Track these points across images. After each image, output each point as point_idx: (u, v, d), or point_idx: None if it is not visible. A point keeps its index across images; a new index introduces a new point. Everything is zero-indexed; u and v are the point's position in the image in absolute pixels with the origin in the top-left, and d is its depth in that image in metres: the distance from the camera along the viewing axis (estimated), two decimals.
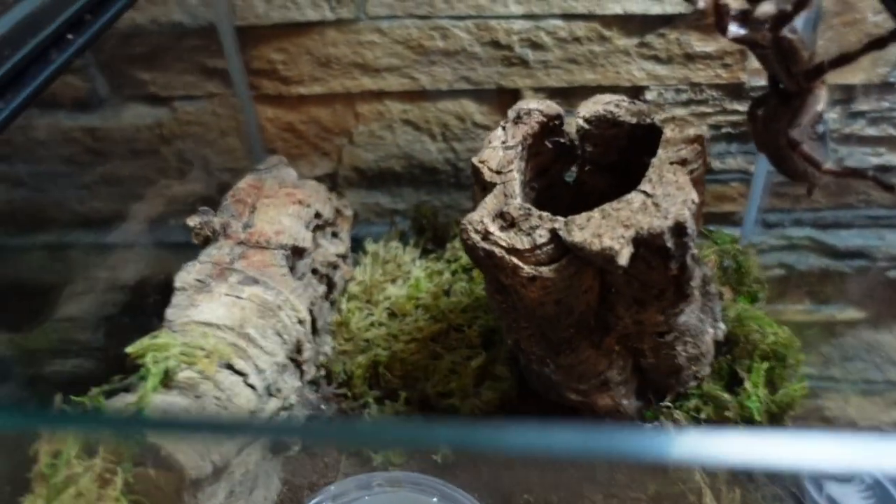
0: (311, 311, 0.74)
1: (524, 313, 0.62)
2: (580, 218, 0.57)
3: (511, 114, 0.66)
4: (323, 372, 0.77)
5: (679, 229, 0.54)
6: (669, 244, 0.54)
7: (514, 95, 0.93)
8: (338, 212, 0.84)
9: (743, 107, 0.92)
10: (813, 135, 0.58)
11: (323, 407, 0.74)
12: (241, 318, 0.62)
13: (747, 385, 0.68)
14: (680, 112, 0.92)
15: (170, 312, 0.62)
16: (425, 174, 1.00)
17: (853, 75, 0.88)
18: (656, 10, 0.85)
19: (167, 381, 0.56)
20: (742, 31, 0.55)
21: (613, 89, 0.91)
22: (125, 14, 0.67)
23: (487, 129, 0.95)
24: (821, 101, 0.57)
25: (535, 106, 0.66)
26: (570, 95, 0.92)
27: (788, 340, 0.69)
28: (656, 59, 0.88)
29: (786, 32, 0.54)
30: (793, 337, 0.69)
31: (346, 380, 0.78)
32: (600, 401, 0.70)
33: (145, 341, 0.56)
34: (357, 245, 0.92)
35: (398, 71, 0.92)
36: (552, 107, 0.66)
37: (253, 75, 0.94)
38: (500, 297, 0.63)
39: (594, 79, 0.91)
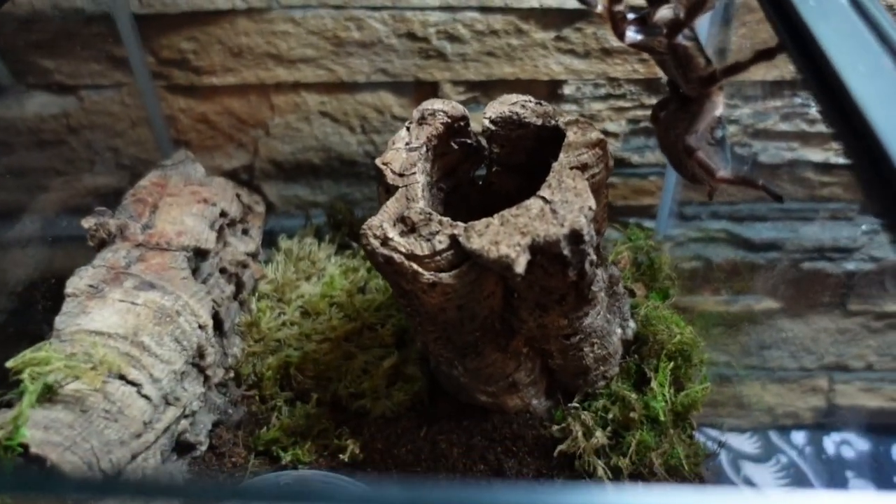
0: (217, 313, 0.72)
1: (427, 318, 0.62)
2: (479, 224, 0.56)
3: (415, 114, 0.65)
4: (232, 374, 0.75)
5: (575, 237, 0.54)
6: (566, 252, 0.54)
7: (433, 88, 0.92)
8: (248, 208, 0.82)
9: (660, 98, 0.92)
10: (711, 140, 0.58)
11: (230, 411, 0.72)
12: (136, 326, 0.60)
13: (654, 385, 0.68)
14: (598, 106, 0.92)
15: (59, 320, 0.59)
16: (344, 166, 0.98)
17: (767, 72, 0.88)
18: (572, 3, 0.84)
19: (51, 395, 0.53)
20: (639, 37, 0.54)
21: (532, 83, 0.91)
22: None
23: (406, 121, 0.94)
24: (718, 106, 0.57)
25: (440, 107, 0.65)
26: (489, 88, 0.92)
27: (693, 340, 0.70)
28: (574, 53, 0.88)
29: (681, 39, 0.54)
30: (697, 337, 0.70)
31: (256, 381, 0.76)
32: (510, 402, 0.70)
33: (27, 354, 0.53)
34: (272, 240, 0.90)
35: (314, 62, 0.90)
36: (457, 108, 0.65)
37: (163, 65, 0.90)
38: (404, 302, 0.62)
39: (512, 72, 0.90)
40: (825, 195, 0.96)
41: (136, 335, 0.60)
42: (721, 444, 0.72)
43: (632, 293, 0.79)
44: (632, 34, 0.54)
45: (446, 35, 0.87)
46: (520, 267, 0.53)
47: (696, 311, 0.89)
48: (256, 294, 0.81)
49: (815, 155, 0.94)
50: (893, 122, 0.33)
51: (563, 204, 0.55)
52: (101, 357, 0.56)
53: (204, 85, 0.92)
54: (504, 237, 0.54)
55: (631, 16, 0.56)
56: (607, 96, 0.91)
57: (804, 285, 1.04)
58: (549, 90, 0.91)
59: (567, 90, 0.91)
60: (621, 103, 0.92)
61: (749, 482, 1.12)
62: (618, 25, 0.53)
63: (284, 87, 0.92)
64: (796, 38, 0.42)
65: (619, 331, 0.71)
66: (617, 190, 0.98)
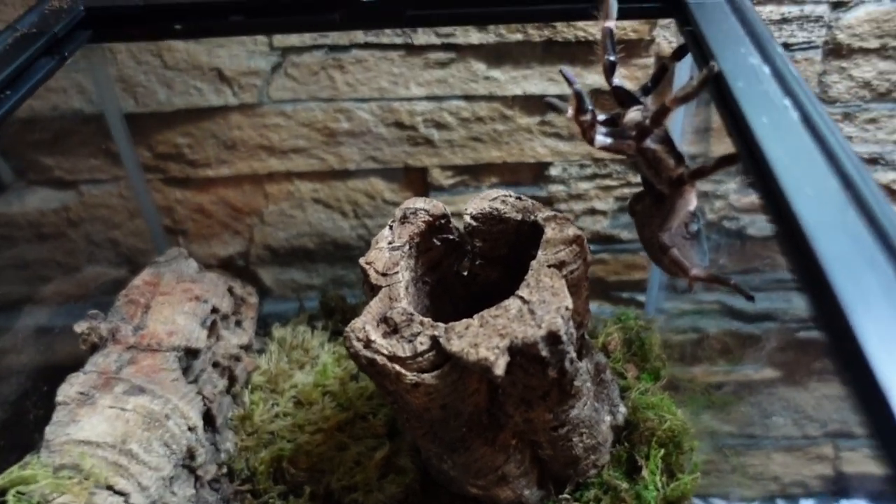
0: (209, 409, 0.72)
1: (413, 415, 0.62)
2: (459, 325, 0.57)
3: (398, 213, 0.67)
4: (224, 470, 0.75)
5: (552, 338, 0.54)
6: (544, 353, 0.55)
7: (422, 173, 0.94)
8: (241, 300, 0.84)
9: None
10: (686, 234, 0.59)
11: None
12: (124, 433, 0.61)
13: (645, 473, 0.68)
14: (585, 186, 0.93)
15: (49, 430, 0.60)
16: (339, 250, 0.99)
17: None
18: (553, 90, 0.86)
19: None
20: (608, 141, 0.56)
21: (519, 165, 0.92)
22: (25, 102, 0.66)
23: (397, 205, 0.95)
24: (691, 202, 0.58)
25: (422, 206, 0.66)
26: (478, 172, 0.93)
27: (683, 426, 0.69)
28: (558, 136, 0.90)
29: (649, 143, 0.55)
30: (686, 423, 0.70)
31: (249, 476, 0.76)
32: (501, 493, 0.69)
33: (13, 472, 0.54)
34: (267, 328, 0.91)
35: (305, 152, 0.92)
36: (437, 206, 0.66)
37: (159, 159, 0.93)
38: (390, 399, 0.63)
39: (500, 156, 0.92)
40: None
41: (125, 443, 0.60)
42: None
43: (622, 375, 0.79)
44: (601, 138, 0.56)
45: (433, 123, 0.90)
46: (499, 369, 0.54)
47: (692, 387, 0.88)
48: (249, 386, 0.82)
49: None
50: (835, 249, 0.34)
51: (541, 304, 0.56)
52: (89, 469, 0.57)
53: (199, 177, 0.94)
54: (483, 339, 0.55)
55: (602, 117, 0.58)
56: (594, 176, 0.93)
57: (802, 354, 1.03)
58: (536, 171, 0.93)
59: (553, 171, 0.92)
60: (608, 182, 0.93)
61: None
62: (586, 132, 0.55)
63: (278, 177, 0.94)
64: (751, 153, 0.43)
65: (608, 418, 0.71)
66: (608, 266, 0.99)
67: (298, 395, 0.82)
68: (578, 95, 0.52)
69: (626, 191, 0.94)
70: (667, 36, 0.84)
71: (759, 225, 0.95)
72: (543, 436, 0.66)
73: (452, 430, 0.63)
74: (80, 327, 0.68)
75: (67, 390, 0.63)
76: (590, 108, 0.53)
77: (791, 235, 0.36)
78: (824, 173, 0.39)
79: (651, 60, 0.85)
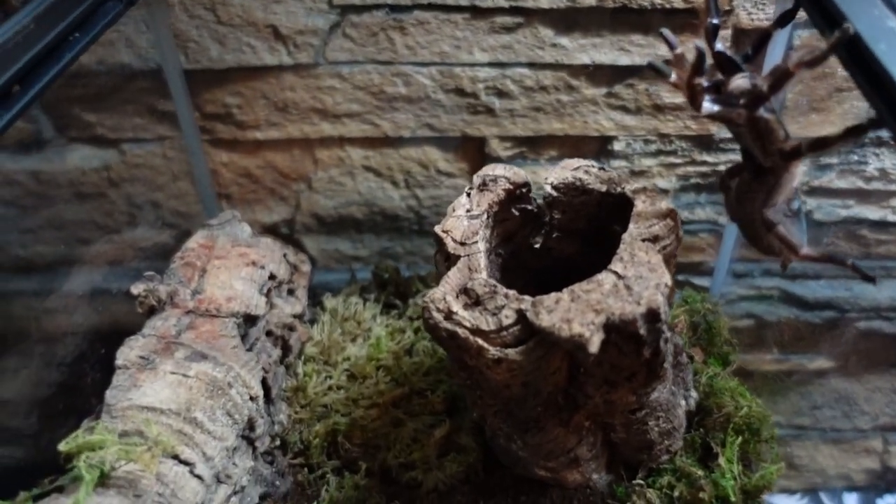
0: (265, 380, 0.70)
1: (490, 392, 0.59)
2: (548, 299, 0.54)
3: (476, 180, 0.63)
4: (278, 442, 0.72)
5: (652, 315, 0.51)
6: (642, 331, 0.51)
7: (480, 143, 0.90)
8: (294, 268, 0.81)
9: (712, 157, 0.90)
10: (788, 212, 0.56)
11: (277, 482, 0.70)
12: (188, 400, 0.58)
13: (721, 461, 0.65)
14: (648, 162, 0.90)
15: (110, 395, 0.57)
16: (387, 221, 0.96)
17: (821, 128, 0.86)
18: (624, 60, 0.83)
19: (105, 479, 0.51)
20: (716, 108, 0.52)
21: (581, 139, 0.89)
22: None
23: (451, 176, 0.93)
24: (796, 177, 0.55)
25: (502, 173, 0.63)
26: (538, 144, 0.90)
27: (762, 414, 0.67)
28: (624, 109, 0.86)
29: (762, 112, 0.51)
30: (766, 410, 0.67)
31: (302, 449, 0.74)
32: (570, 476, 0.67)
33: (79, 437, 0.51)
34: (315, 298, 0.88)
35: (359, 117, 0.89)
36: (519, 174, 0.63)
37: (207, 119, 0.90)
38: (465, 375, 0.60)
39: (561, 128, 0.88)
40: (882, 253, 0.93)
41: (189, 410, 0.57)
42: None
43: (690, 359, 0.76)
44: (708, 105, 0.52)
45: (495, 91, 0.86)
46: (594, 347, 0.51)
47: (756, 374, 0.86)
48: (303, 357, 0.79)
49: (872, 213, 0.91)
50: None
51: (638, 280, 0.53)
52: (156, 436, 0.54)
53: (247, 139, 0.91)
54: (576, 315, 0.52)
55: (704, 83, 0.55)
56: (658, 152, 0.89)
57: (859, 345, 1.00)
58: (599, 146, 0.90)
59: (617, 146, 0.89)
60: (672, 159, 0.90)
61: None
62: (696, 97, 0.51)
63: (329, 142, 0.91)
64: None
65: (682, 403, 0.68)
66: None
67: (352, 368, 0.79)
68: (700, 55, 0.48)
69: (690, 169, 0.91)
70: (747, 6, 0.80)
71: (826, 210, 0.92)
72: (619, 418, 0.63)
73: (528, 409, 0.60)
74: (137, 289, 0.65)
75: (127, 353, 0.60)
76: (707, 69, 0.50)
77: None
78: None
79: (729, 32, 0.81)
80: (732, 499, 0.63)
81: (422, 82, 0.86)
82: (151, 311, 0.66)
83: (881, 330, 0.98)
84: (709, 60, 0.56)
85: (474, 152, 0.91)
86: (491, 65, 0.85)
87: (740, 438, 0.66)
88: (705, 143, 0.89)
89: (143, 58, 0.84)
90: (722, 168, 0.89)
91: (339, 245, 0.99)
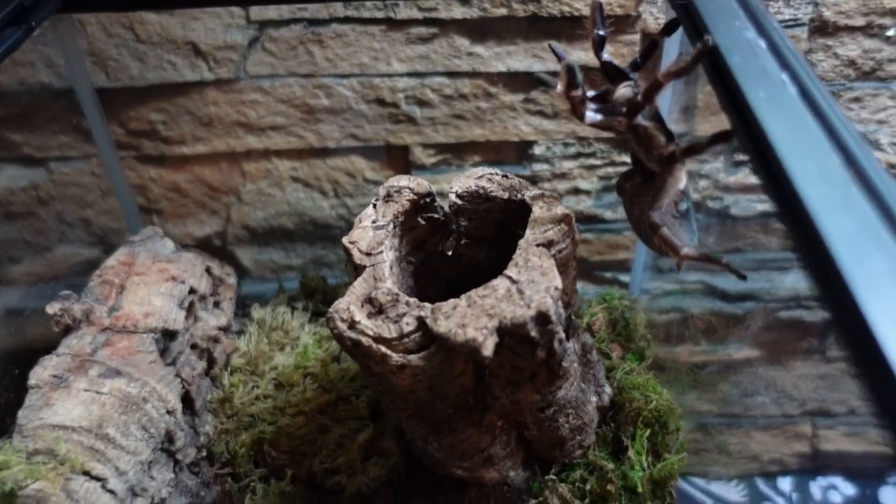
0: (188, 392, 0.71)
1: (398, 397, 0.61)
2: (446, 306, 0.56)
3: (381, 191, 0.65)
4: (204, 453, 0.74)
5: (542, 318, 0.53)
6: (533, 333, 0.53)
7: (404, 151, 0.92)
8: (220, 280, 0.82)
9: (630, 158, 0.92)
10: (676, 213, 0.58)
11: (202, 493, 0.71)
12: (101, 417, 0.59)
13: (631, 453, 0.68)
14: (569, 165, 0.92)
15: (22, 415, 0.58)
16: (318, 230, 0.98)
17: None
18: (538, 67, 0.85)
19: (11, 498, 0.52)
20: (598, 117, 0.55)
21: (502, 144, 0.91)
22: None
23: (378, 184, 0.94)
24: (681, 180, 0.57)
25: (406, 183, 0.65)
26: (460, 150, 0.92)
27: (669, 406, 0.69)
28: (542, 114, 0.88)
29: (640, 120, 0.54)
30: (672, 403, 0.70)
31: (229, 459, 0.75)
32: (486, 475, 0.69)
33: None
34: (246, 309, 0.89)
35: (284, 129, 0.90)
36: (422, 184, 0.65)
37: (132, 136, 0.90)
38: (375, 381, 0.62)
39: (482, 134, 0.90)
40: None
41: (101, 427, 0.58)
42: None
43: (607, 355, 0.78)
44: (591, 115, 0.54)
45: (415, 100, 0.88)
46: (487, 350, 0.52)
47: (676, 367, 0.88)
48: (229, 368, 0.80)
49: None
50: (839, 227, 0.33)
51: (530, 284, 0.55)
52: (64, 454, 0.55)
53: (174, 154, 0.92)
54: (471, 320, 0.54)
55: (591, 93, 0.57)
56: (577, 155, 0.92)
57: (782, 333, 1.04)
58: (520, 150, 0.92)
59: (537, 150, 0.91)
60: (592, 161, 0.92)
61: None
62: (577, 108, 0.53)
63: (255, 155, 0.92)
64: (748, 129, 0.42)
65: (594, 398, 0.71)
66: (592, 245, 0.98)
67: (279, 377, 0.81)
68: (570, 70, 0.50)
69: (611, 170, 0.93)
70: (653, 12, 0.83)
71: (743, 205, 0.95)
72: (530, 417, 0.65)
73: (438, 411, 0.62)
74: (52, 308, 0.66)
75: (40, 373, 0.61)
76: (581, 83, 0.52)
77: (793, 214, 0.35)
78: (825, 149, 0.38)
79: (637, 37, 0.84)
80: (640, 489, 0.65)
81: (343, 93, 0.87)
82: (67, 330, 0.66)
83: (802, 318, 1.01)
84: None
85: (399, 160, 0.93)
86: (409, 75, 0.86)
87: (649, 431, 0.69)
88: (623, 144, 0.91)
89: (61, 76, 0.85)
90: None
91: (272, 255, 1.00)
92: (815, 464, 1.14)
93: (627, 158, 0.93)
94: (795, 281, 0.99)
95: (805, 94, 0.42)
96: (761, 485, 1.15)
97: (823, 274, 0.33)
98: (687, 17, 0.55)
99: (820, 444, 1.13)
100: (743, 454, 1.13)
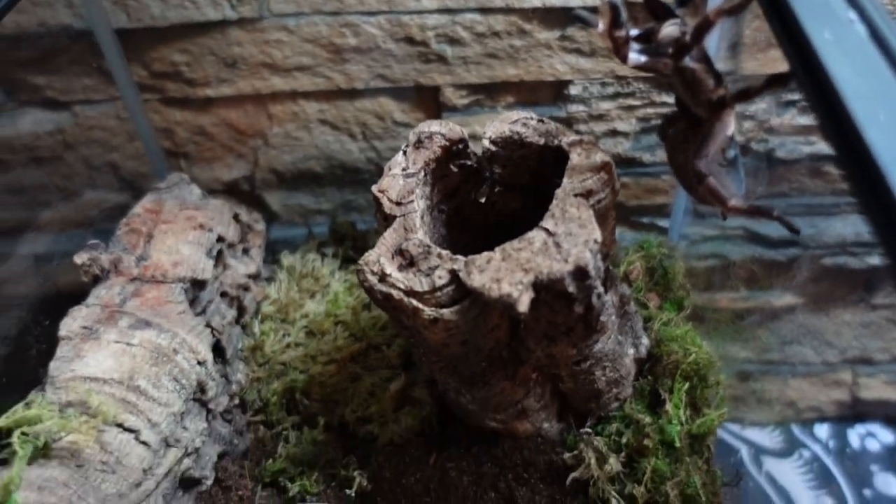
0: (219, 341, 0.70)
1: (431, 351, 0.60)
2: (480, 259, 0.54)
3: (412, 137, 0.62)
4: (237, 401, 0.74)
5: (580, 273, 0.51)
6: (571, 288, 0.51)
7: (434, 92, 0.88)
8: (248, 227, 0.80)
9: (671, 98, 0.88)
10: (723, 161, 0.55)
11: (235, 441, 0.71)
12: (132, 369, 0.59)
13: (668, 407, 0.66)
14: (607, 105, 0.88)
15: (53, 367, 0.58)
16: (347, 174, 0.95)
17: (781, 64, 0.84)
18: (576, 2, 0.80)
19: (46, 451, 0.52)
20: (643, 59, 0.51)
21: (537, 84, 0.87)
22: (9, 17, 0.61)
23: (408, 126, 0.91)
24: (729, 127, 0.54)
25: (437, 129, 0.62)
26: (493, 91, 0.88)
27: (708, 360, 0.67)
28: (579, 52, 0.84)
29: (688, 62, 0.50)
30: (713, 355, 0.68)
31: (261, 407, 0.75)
32: (520, 427, 0.68)
33: (17, 412, 0.52)
34: (275, 255, 0.88)
35: (310, 70, 0.87)
36: (455, 130, 0.62)
37: (156, 78, 0.88)
38: (407, 334, 0.60)
39: (516, 73, 0.86)
40: (846, 189, 0.92)
41: (132, 379, 0.58)
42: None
43: (644, 306, 0.76)
44: (635, 56, 0.51)
45: (446, 38, 0.84)
46: (523, 306, 0.51)
47: (716, 316, 0.86)
48: (259, 316, 0.80)
49: None
50: None
51: (567, 237, 0.53)
52: (97, 406, 0.55)
53: (199, 97, 0.89)
54: (506, 274, 0.51)
55: (634, 32, 0.53)
56: (616, 95, 0.88)
57: (826, 280, 1.00)
58: (555, 91, 0.88)
59: (574, 90, 0.87)
60: (631, 101, 0.88)
61: (771, 478, 1.10)
62: (619, 49, 0.50)
63: (281, 97, 0.90)
64: (811, 72, 0.38)
65: (631, 351, 0.69)
66: (629, 190, 0.95)
67: (310, 324, 0.80)
68: (613, 7, 0.47)
69: (650, 111, 0.89)
70: None
71: (790, 147, 0.91)
72: (565, 370, 0.64)
73: (472, 364, 0.60)
74: (80, 258, 0.65)
75: (70, 324, 0.61)
76: (624, 22, 0.48)
77: (860, 166, 0.32)
78: None
79: None
80: (677, 444, 0.64)
81: (371, 32, 0.84)
82: (96, 280, 0.66)
83: (847, 265, 0.97)
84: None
85: (429, 101, 0.89)
86: (440, 11, 0.82)
87: (688, 384, 0.67)
88: (664, 83, 0.87)
89: (82, 18, 0.82)
90: None
91: (301, 200, 0.98)
92: (854, 411, 1.12)
93: (668, 98, 0.88)
94: (842, 227, 0.95)
95: (875, 35, 0.38)
96: (797, 432, 1.13)
97: (892, 232, 0.30)
98: None
99: (860, 391, 1.10)
100: (780, 401, 1.11)
